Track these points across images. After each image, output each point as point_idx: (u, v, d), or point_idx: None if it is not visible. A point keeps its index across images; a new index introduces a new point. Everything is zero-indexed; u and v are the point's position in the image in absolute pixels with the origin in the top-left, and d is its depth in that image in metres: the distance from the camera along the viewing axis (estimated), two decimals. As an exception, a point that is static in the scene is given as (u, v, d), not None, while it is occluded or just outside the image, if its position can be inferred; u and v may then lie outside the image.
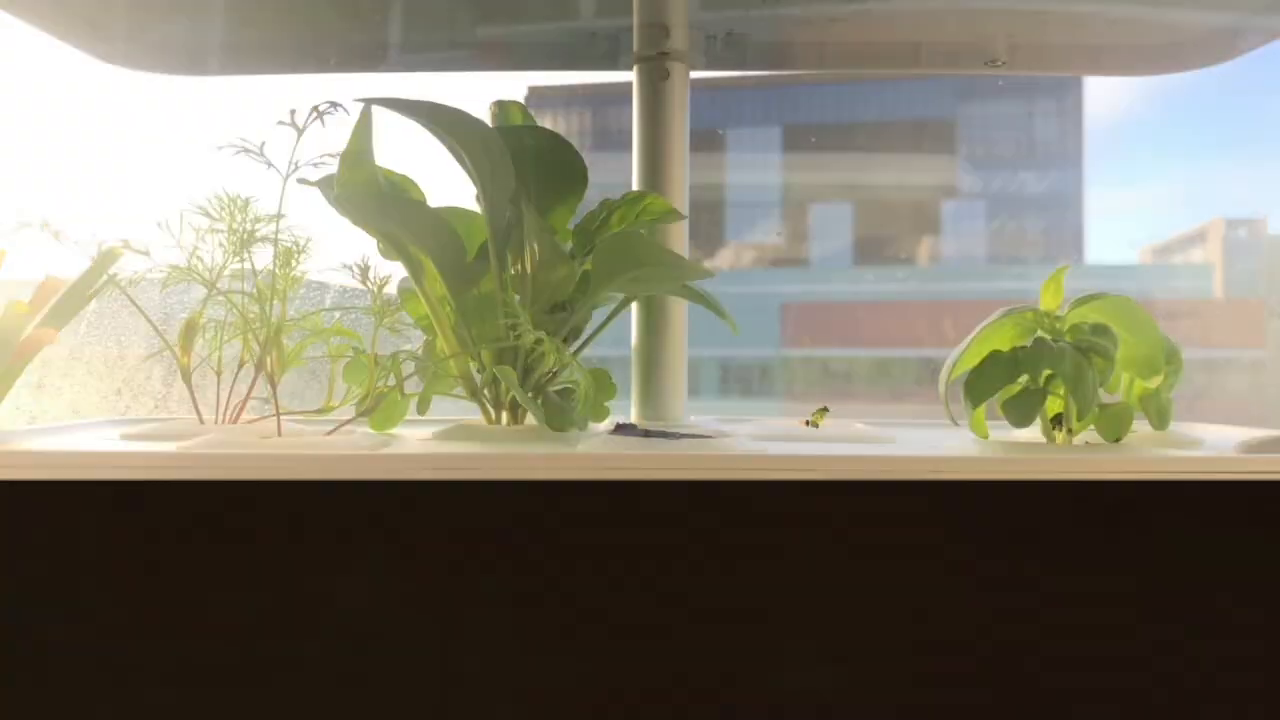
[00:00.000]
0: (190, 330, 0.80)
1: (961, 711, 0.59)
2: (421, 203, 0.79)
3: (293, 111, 0.72)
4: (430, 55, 1.10)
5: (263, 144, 0.73)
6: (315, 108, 0.71)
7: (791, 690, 0.58)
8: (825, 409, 0.93)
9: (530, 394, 0.80)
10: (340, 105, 0.72)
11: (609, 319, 0.88)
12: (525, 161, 0.79)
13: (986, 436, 0.78)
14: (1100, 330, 0.74)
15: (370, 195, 0.73)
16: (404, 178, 0.81)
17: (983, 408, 0.76)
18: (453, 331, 0.80)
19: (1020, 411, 0.73)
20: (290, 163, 0.74)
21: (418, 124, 0.75)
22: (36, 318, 0.76)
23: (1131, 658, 0.59)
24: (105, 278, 0.77)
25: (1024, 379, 0.74)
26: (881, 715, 0.58)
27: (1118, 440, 0.78)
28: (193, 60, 1.10)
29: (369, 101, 0.71)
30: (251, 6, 1.01)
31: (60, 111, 1.16)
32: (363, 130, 0.73)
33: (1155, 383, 0.78)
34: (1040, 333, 0.76)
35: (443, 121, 0.73)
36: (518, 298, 0.79)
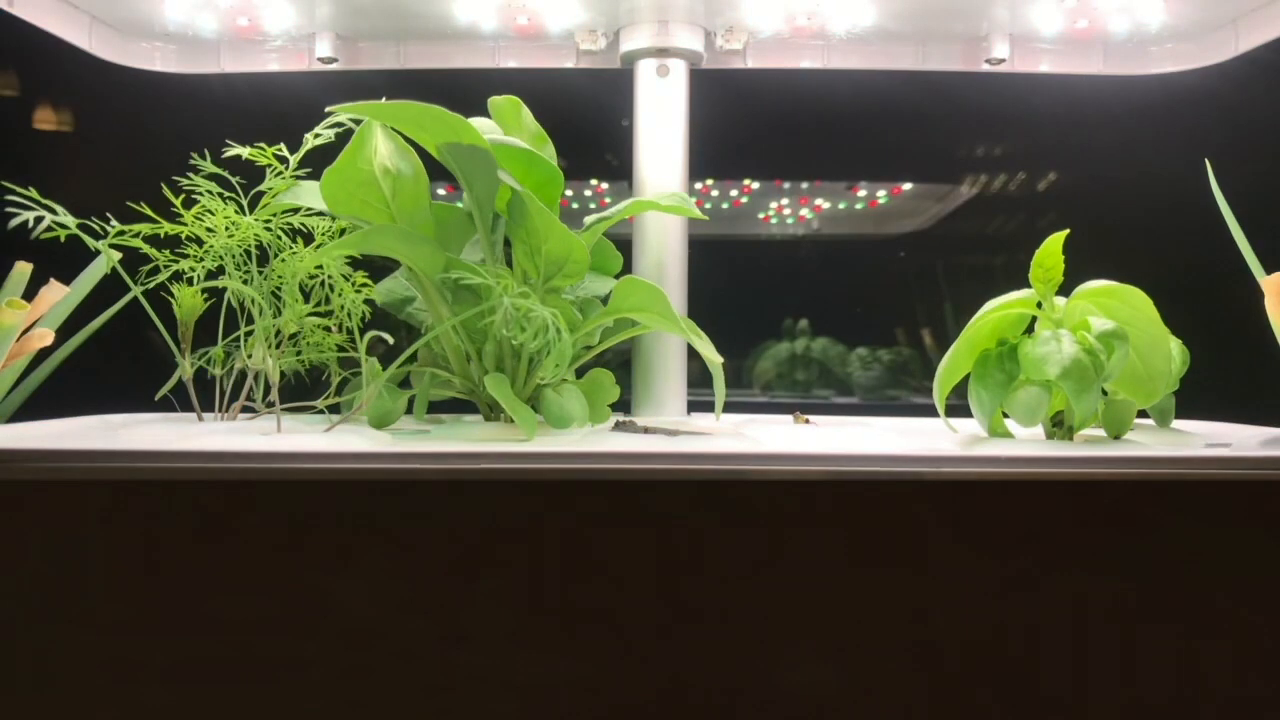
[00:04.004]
0: (186, 321, 0.80)
1: (962, 711, 0.59)
2: (389, 228, 0.77)
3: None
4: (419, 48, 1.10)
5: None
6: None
7: (791, 690, 0.58)
8: (796, 412, 0.95)
9: (532, 391, 0.80)
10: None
11: (625, 334, 0.87)
12: (502, 156, 0.79)
13: (1011, 436, 0.78)
14: (1108, 337, 0.72)
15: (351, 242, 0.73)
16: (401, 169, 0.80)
17: (999, 411, 0.76)
18: (450, 330, 0.80)
19: (1027, 412, 0.73)
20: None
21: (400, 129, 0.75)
22: (34, 318, 0.76)
23: (1131, 658, 0.59)
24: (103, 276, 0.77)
25: (1023, 377, 0.74)
26: (881, 715, 0.59)
27: (1119, 437, 0.78)
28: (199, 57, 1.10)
29: (337, 111, 0.71)
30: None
31: (58, 110, 1.16)
32: (356, 148, 0.73)
33: (1161, 389, 0.77)
34: (1043, 329, 0.74)
35: (419, 123, 0.73)
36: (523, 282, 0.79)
